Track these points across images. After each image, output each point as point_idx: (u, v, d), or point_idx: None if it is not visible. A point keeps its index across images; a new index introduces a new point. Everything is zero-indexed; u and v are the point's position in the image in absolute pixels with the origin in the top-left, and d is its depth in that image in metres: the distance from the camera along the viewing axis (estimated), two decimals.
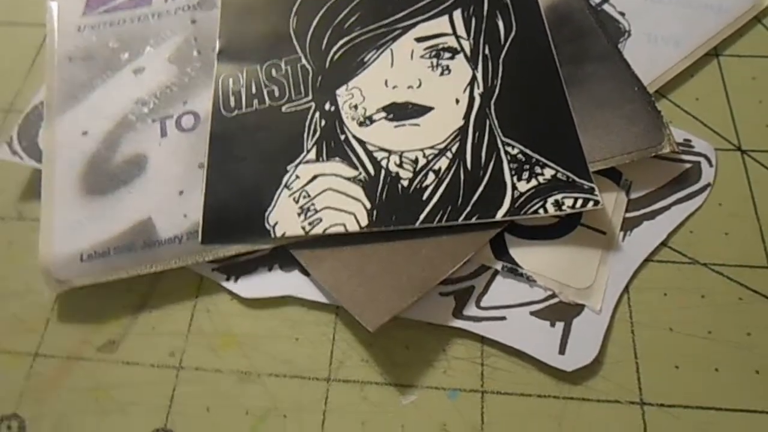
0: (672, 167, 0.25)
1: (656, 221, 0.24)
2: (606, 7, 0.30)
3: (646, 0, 0.30)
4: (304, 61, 0.28)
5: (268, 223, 0.23)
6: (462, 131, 0.25)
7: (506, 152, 0.25)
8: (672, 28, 0.29)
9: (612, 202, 0.24)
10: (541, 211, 0.23)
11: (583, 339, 0.22)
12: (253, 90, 0.27)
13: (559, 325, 0.22)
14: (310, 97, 0.27)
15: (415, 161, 0.25)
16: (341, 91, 0.27)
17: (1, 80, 0.29)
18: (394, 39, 0.28)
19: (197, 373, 0.22)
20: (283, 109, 0.26)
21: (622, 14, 0.30)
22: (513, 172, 0.24)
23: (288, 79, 0.27)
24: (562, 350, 0.22)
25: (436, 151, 0.25)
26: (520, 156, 0.24)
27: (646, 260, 0.23)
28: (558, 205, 0.23)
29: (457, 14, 0.29)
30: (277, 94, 0.27)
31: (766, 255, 0.23)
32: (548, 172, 0.24)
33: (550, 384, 0.21)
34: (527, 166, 0.24)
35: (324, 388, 0.21)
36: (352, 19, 0.29)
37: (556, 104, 0.26)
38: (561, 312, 0.22)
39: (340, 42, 0.28)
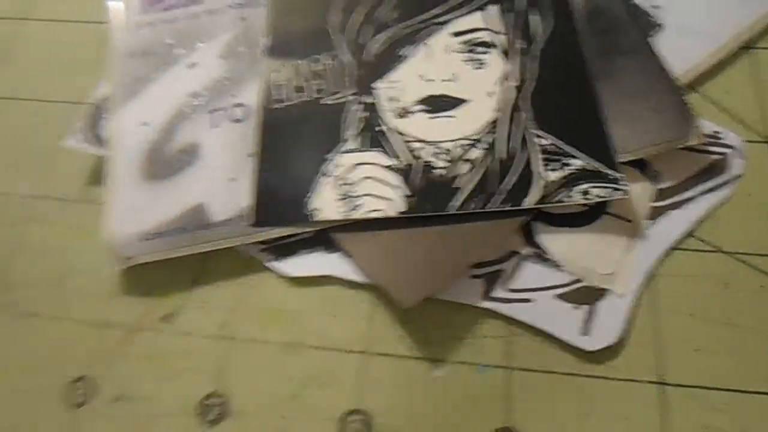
0: (700, 158, 0.26)
1: (682, 211, 0.25)
2: (638, 0, 0.30)
3: None
4: (344, 55, 0.29)
5: (308, 208, 0.25)
6: (495, 123, 0.27)
7: (538, 143, 0.26)
8: (704, 21, 0.29)
9: (639, 192, 0.25)
10: (568, 200, 0.24)
11: (607, 321, 0.23)
12: (297, 83, 0.29)
13: (584, 308, 0.23)
14: (350, 90, 0.28)
15: (450, 151, 0.26)
16: (380, 84, 0.28)
17: (70, 74, 0.32)
18: (431, 34, 0.30)
19: (245, 343, 0.24)
20: (325, 101, 0.28)
21: (655, 7, 0.30)
22: (543, 163, 0.25)
23: (329, 72, 0.29)
24: (585, 331, 0.23)
25: (470, 142, 0.26)
26: (550, 147, 0.26)
27: (672, 248, 0.24)
28: (585, 194, 0.24)
29: (494, 10, 0.30)
30: (319, 87, 0.28)
31: None
32: (577, 163, 0.25)
33: (573, 362, 0.22)
34: (557, 157, 0.25)
35: (361, 360, 0.23)
36: (391, 14, 0.30)
37: (587, 97, 0.27)
38: (586, 295, 0.23)
39: (379, 37, 0.30)
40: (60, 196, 0.28)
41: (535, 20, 0.29)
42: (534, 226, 0.25)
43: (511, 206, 0.24)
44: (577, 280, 0.24)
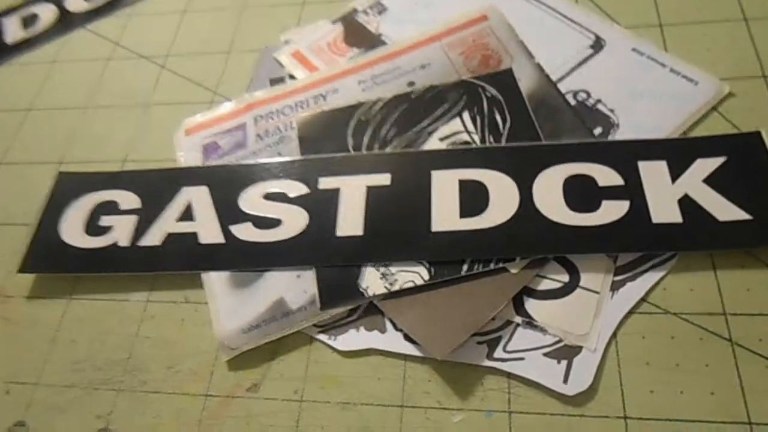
0: None
1: (636, 282, 0.32)
2: (600, 105, 0.38)
3: (628, 98, 0.38)
4: None
5: (361, 287, 0.34)
6: None
7: None
8: (648, 120, 0.37)
9: (603, 269, 0.33)
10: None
11: (582, 371, 0.30)
12: None
13: (564, 362, 0.30)
14: None
15: None
16: None
17: None
18: (425, 141, 0.38)
19: (313, 404, 0.32)
20: None
21: (612, 110, 0.38)
22: None
23: None
24: (566, 380, 0.30)
25: None
26: None
27: (630, 312, 0.31)
28: None
29: (466, 115, 0.39)
30: None
31: (722, 304, 0.31)
32: None
33: (558, 405, 0.29)
34: None
35: (400, 412, 0.31)
36: (392, 132, 0.39)
37: None
38: (565, 352, 0.31)
39: (386, 151, 0.38)
40: (168, 299, 0.37)
41: (497, 119, 0.38)
42: (524, 299, 0.33)
43: (503, 264, 0.33)
44: (559, 341, 0.31)
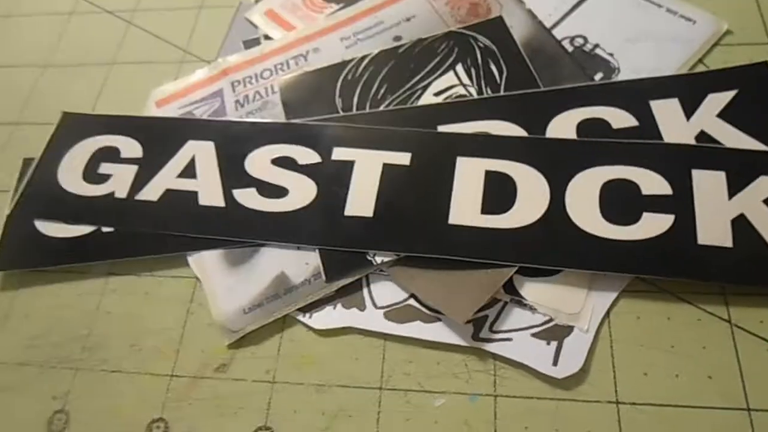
0: None
1: None
2: (598, 50, 0.37)
3: (626, 41, 0.37)
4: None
5: (368, 255, 0.31)
6: None
7: None
8: (649, 63, 0.36)
9: None
10: None
11: (572, 353, 0.28)
12: None
13: (554, 343, 0.29)
14: None
15: None
16: None
17: None
18: (418, 98, 0.36)
19: (286, 385, 0.30)
20: None
21: (611, 54, 0.37)
22: None
23: None
24: (555, 362, 0.28)
25: None
26: None
27: (624, 290, 0.29)
28: None
29: (459, 68, 0.37)
30: None
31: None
32: None
33: (546, 389, 0.28)
34: None
35: (378, 394, 0.29)
36: (382, 90, 0.37)
37: None
38: (555, 333, 0.29)
39: (380, 109, 0.36)
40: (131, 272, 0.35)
41: (492, 69, 0.36)
42: (514, 277, 0.31)
43: None
44: (549, 320, 0.29)
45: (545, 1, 0.39)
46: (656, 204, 0.30)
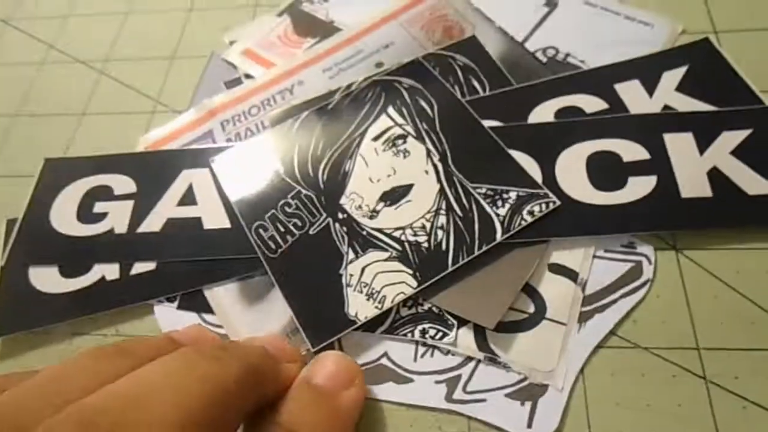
0: (619, 267, 0.31)
1: (605, 314, 0.30)
2: (570, 59, 0.39)
3: (594, 48, 0.39)
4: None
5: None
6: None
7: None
8: None
9: (570, 299, 0.31)
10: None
11: (547, 413, 0.27)
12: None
13: (528, 404, 0.28)
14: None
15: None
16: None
17: None
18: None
19: None
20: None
21: (583, 61, 0.38)
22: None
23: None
24: (530, 424, 0.27)
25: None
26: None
27: (598, 346, 0.29)
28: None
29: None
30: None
31: (695, 339, 0.29)
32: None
33: None
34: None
35: None
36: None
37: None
38: (530, 392, 0.28)
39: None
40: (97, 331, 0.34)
41: (475, 85, 0.37)
42: (486, 332, 0.30)
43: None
44: (523, 379, 0.29)
45: (514, 18, 0.41)
46: (638, 168, 0.33)
